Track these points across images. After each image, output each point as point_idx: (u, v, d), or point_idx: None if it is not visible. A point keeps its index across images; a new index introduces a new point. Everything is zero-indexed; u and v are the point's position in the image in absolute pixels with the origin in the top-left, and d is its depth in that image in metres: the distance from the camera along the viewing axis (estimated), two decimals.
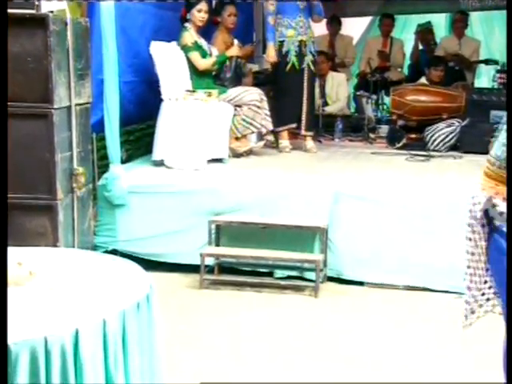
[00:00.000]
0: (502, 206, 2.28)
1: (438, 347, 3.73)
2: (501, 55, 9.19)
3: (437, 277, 4.55)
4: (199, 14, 5.62)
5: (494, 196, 2.33)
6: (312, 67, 6.25)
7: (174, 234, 4.88)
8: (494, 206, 2.32)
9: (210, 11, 5.75)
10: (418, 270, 4.60)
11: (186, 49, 5.64)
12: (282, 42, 6.12)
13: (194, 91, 5.57)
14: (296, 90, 6.18)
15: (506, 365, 1.13)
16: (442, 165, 5.79)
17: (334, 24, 8.62)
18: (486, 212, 2.37)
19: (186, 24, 5.67)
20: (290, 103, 6.19)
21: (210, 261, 4.79)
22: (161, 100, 5.45)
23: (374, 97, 7.72)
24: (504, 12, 10.00)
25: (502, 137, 2.29)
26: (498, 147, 2.32)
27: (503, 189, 2.28)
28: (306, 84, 6.19)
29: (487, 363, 3.42)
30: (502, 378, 2.65)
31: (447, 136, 6.40)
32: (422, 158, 5.98)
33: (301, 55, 6.12)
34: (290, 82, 6.17)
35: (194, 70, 5.69)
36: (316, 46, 6.45)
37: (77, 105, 4.16)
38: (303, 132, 6.32)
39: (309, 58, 6.17)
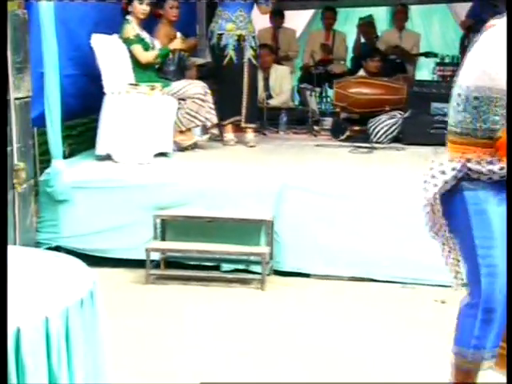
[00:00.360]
0: (478, 167, 2.48)
1: (384, 335, 3.79)
2: (440, 48, 9.38)
3: (381, 267, 4.62)
4: (141, 6, 5.55)
5: (465, 163, 2.50)
6: (254, 61, 6.25)
7: (119, 229, 4.83)
8: (469, 170, 2.50)
9: (151, 3, 5.68)
10: (363, 260, 4.66)
11: (128, 42, 5.57)
12: (220, 35, 6.10)
13: (136, 85, 5.50)
14: (239, 83, 6.17)
15: (507, 363, 1.15)
16: (385, 156, 5.87)
17: (277, 17, 8.64)
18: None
19: (128, 17, 5.59)
20: (234, 96, 6.18)
21: (155, 256, 4.75)
22: (103, 94, 5.38)
23: (318, 89, 7.77)
24: (443, 5, 10.23)
25: (454, 102, 2.43)
26: (455, 112, 2.48)
27: (473, 153, 2.43)
28: (246, 77, 6.18)
29: (433, 348, 3.49)
30: (448, 362, 2.71)
31: (390, 128, 6.48)
32: (366, 150, 6.05)
33: (239, 50, 6.11)
34: (231, 76, 6.16)
35: (137, 64, 5.62)
36: (258, 40, 6.42)
37: (16, 99, 4.07)
38: (243, 125, 6.32)
39: (249, 53, 6.15)
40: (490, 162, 2.46)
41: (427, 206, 2.65)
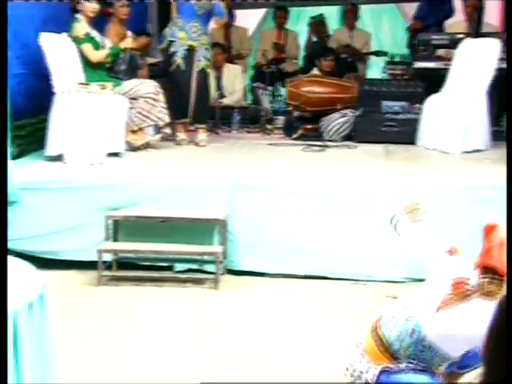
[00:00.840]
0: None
1: (338, 332, 3.81)
2: (390, 47, 9.49)
3: (334, 265, 4.65)
4: (90, 4, 5.48)
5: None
6: (208, 70, 6.25)
7: (70, 231, 4.76)
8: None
9: (101, 2, 5.62)
10: (316, 258, 4.69)
11: (77, 41, 5.50)
12: (171, 41, 6.06)
13: (87, 84, 5.43)
14: (187, 85, 6.14)
15: (507, 362, 1.24)
16: (337, 154, 5.92)
17: (228, 16, 8.62)
18: None
19: (77, 15, 5.51)
20: (186, 96, 6.15)
21: (107, 257, 4.70)
22: (53, 93, 5.29)
23: (270, 88, 7.79)
24: (392, 5, 10.35)
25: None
26: (396, 339, 2.54)
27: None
28: (195, 77, 6.14)
29: None
30: None
31: (341, 126, 6.54)
32: (318, 149, 6.09)
33: (188, 59, 6.08)
34: (181, 78, 6.13)
35: (87, 63, 5.55)
36: (210, 50, 6.38)
37: None
38: (191, 125, 6.30)
39: (202, 64, 6.12)
40: None
41: None
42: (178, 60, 6.06)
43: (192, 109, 6.17)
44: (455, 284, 2.44)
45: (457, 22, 7.27)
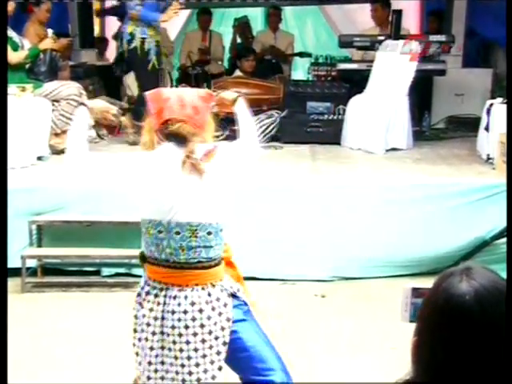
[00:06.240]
0: None
1: (268, 332, 3.82)
2: (314, 48, 9.61)
3: (262, 265, 4.67)
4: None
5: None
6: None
7: None
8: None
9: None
10: (244, 259, 4.67)
11: None
12: (143, 39, 5.93)
13: None
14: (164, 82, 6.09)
15: (505, 361, 1.13)
16: (264, 155, 5.93)
17: None
18: None
19: None
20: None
21: (32, 263, 4.59)
22: None
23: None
24: (315, 7, 10.49)
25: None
26: None
27: None
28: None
29: (315, 342, 3.56)
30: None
31: (268, 127, 6.58)
32: None
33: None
34: (155, 74, 6.06)
35: None
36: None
37: None
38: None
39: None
40: None
41: None
42: (154, 58, 5.95)
43: None
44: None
45: (370, 28, 7.42)
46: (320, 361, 3.11)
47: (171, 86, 6.11)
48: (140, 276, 4.51)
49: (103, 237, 4.65)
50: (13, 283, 4.48)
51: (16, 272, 4.45)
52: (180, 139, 2.35)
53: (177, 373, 2.32)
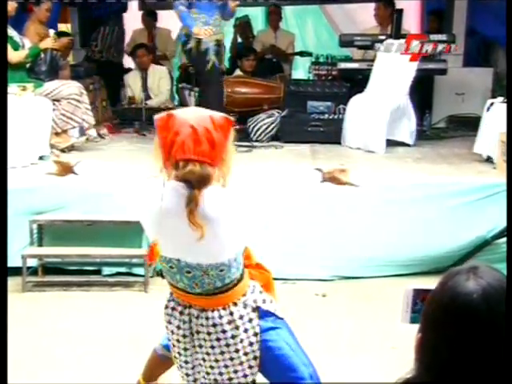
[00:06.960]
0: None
1: None
2: (314, 47, 9.61)
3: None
4: (9, 3, 5.33)
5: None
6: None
7: None
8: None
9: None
10: None
11: None
12: (199, 39, 5.80)
13: None
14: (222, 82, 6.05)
15: (506, 361, 1.12)
16: (265, 154, 5.95)
17: (149, 18, 8.59)
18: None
19: None
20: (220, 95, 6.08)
21: (32, 262, 4.59)
22: None
23: (197, 89, 7.75)
24: (315, 6, 10.49)
25: None
26: None
27: None
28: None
29: (317, 341, 3.56)
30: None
31: (268, 126, 6.58)
32: (245, 149, 6.10)
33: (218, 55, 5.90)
34: (216, 75, 6.02)
35: None
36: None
37: None
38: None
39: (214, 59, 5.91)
40: None
41: None
42: (212, 57, 5.86)
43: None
44: None
45: (371, 27, 7.43)
46: (320, 360, 3.11)
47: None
48: (141, 275, 4.55)
49: (104, 236, 4.65)
50: (13, 282, 4.48)
51: (16, 271, 4.45)
52: (189, 184, 2.16)
53: None
